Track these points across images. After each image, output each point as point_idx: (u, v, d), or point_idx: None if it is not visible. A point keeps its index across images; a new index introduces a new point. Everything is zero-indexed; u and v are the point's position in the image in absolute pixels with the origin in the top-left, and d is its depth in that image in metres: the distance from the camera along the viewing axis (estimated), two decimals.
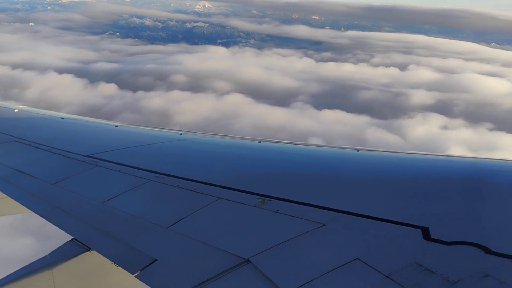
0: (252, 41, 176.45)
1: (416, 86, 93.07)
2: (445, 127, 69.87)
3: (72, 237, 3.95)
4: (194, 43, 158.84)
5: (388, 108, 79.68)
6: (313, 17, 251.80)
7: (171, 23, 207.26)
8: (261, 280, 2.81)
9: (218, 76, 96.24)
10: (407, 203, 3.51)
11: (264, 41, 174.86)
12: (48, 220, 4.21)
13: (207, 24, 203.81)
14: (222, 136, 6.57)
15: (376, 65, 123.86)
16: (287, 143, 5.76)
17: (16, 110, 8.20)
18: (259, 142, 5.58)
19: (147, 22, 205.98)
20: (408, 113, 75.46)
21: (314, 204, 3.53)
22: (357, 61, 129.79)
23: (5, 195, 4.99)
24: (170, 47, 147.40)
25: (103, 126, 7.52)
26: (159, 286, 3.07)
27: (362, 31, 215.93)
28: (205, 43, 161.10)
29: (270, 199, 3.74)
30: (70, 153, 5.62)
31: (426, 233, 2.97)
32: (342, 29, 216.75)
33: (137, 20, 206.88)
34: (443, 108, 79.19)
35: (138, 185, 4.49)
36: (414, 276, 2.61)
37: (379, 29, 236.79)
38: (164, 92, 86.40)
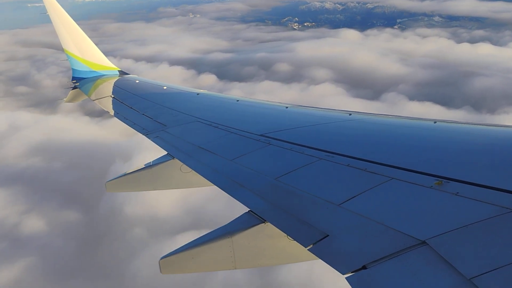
0: (436, 18, 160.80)
1: None
2: None
3: (249, 209, 4.24)
4: (369, 26, 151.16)
5: (498, 100, 65.25)
6: None
7: (352, 4, 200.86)
8: (439, 263, 2.65)
9: (322, 64, 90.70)
10: None
11: (451, 19, 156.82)
12: (227, 193, 4.53)
13: (387, 4, 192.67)
14: (392, 116, 6.32)
15: None
16: (465, 123, 5.37)
17: (198, 94, 9.17)
18: (435, 122, 5.25)
19: (327, 5, 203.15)
20: None
21: (500, 188, 3.20)
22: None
23: (190, 169, 5.60)
24: (305, 33, 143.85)
25: (274, 107, 7.82)
26: (331, 260, 3.07)
27: None
28: (383, 24, 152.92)
29: (448, 181, 3.50)
30: (245, 132, 6.02)
31: None
32: None
33: (318, 4, 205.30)
34: None
35: (309, 163, 4.58)
36: None
37: None
38: (255, 82, 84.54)
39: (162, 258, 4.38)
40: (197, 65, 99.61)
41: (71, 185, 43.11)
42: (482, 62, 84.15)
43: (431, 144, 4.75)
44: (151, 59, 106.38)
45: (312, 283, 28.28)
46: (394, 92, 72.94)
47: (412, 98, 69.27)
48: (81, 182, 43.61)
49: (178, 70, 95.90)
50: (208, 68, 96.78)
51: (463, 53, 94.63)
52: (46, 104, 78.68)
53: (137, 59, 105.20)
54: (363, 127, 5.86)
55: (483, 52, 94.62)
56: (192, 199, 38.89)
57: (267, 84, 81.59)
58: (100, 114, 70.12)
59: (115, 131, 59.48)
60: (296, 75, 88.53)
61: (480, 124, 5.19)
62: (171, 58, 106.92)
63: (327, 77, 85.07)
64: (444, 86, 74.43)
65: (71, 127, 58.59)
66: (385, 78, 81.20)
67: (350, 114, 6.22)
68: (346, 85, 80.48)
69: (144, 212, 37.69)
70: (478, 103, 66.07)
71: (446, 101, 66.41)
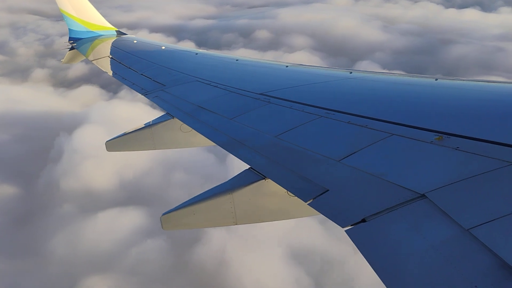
0: None
1: None
2: None
3: (249, 166, 4.26)
4: None
5: (470, 68, 63.63)
6: None
7: None
8: (438, 215, 2.68)
9: (303, 32, 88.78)
10: None
11: None
12: (227, 151, 4.57)
13: None
14: (393, 74, 6.30)
15: None
16: (466, 80, 5.27)
17: (196, 53, 9.26)
18: (436, 80, 5.20)
19: None
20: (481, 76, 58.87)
21: (500, 142, 3.20)
22: (505, 4, 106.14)
23: (191, 129, 5.62)
24: None
25: (274, 66, 7.88)
26: (331, 214, 3.08)
27: None
28: None
29: (448, 136, 3.49)
30: (244, 91, 6.02)
31: None
32: None
33: None
34: None
35: (309, 121, 4.57)
36: None
37: None
38: (231, 50, 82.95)
39: (163, 214, 4.41)
40: (177, 32, 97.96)
41: (14, 159, 42.73)
42: (463, 29, 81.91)
43: (432, 100, 4.72)
44: (133, 26, 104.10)
45: (225, 262, 28.02)
46: (368, 61, 71.32)
47: (385, 67, 67.59)
48: (25, 155, 43.24)
49: (157, 37, 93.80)
50: (188, 36, 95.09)
51: (447, 19, 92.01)
52: (18, 73, 77.92)
53: (119, 26, 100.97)
54: (363, 85, 5.80)
55: (468, 18, 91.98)
56: (128, 173, 38.45)
57: (242, 52, 79.87)
58: (68, 84, 69.42)
59: (76, 102, 58.84)
60: (274, 42, 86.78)
61: (480, 81, 5.19)
62: (153, 25, 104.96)
63: (305, 45, 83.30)
64: (420, 54, 72.74)
65: (31, 98, 57.87)
66: (363, 46, 79.39)
67: (350, 73, 6.17)
68: (323, 53, 78.90)
69: (80, 186, 37.33)
70: (451, 72, 64.43)
71: (419, 70, 64.78)
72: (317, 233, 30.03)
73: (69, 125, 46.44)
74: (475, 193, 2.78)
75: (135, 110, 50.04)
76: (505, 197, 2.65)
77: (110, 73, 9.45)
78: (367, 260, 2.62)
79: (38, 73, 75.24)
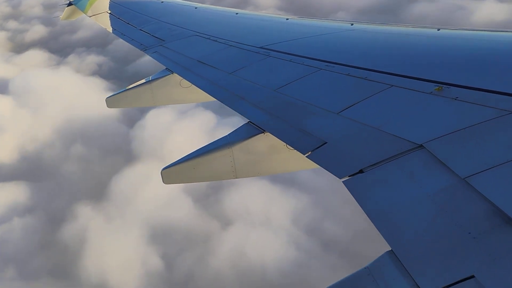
0: None
1: None
2: None
3: (248, 120, 4.27)
4: None
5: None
6: None
7: None
8: (435, 165, 2.68)
9: None
10: None
11: None
12: (227, 105, 4.56)
13: None
14: (395, 25, 6.15)
15: None
16: (467, 29, 5.20)
17: (196, 8, 9.09)
18: (438, 30, 5.08)
19: None
20: None
21: (499, 91, 3.16)
22: None
23: (190, 84, 5.60)
24: None
25: (274, 19, 7.85)
26: (329, 166, 3.08)
27: None
28: None
29: (448, 86, 3.45)
30: (244, 45, 5.96)
31: None
32: None
33: None
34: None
35: (308, 74, 4.54)
36: None
37: None
38: None
39: (163, 169, 4.41)
40: None
41: None
42: None
43: (433, 51, 4.61)
44: None
45: (85, 242, 27.65)
46: None
47: None
48: None
49: None
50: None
51: None
52: None
53: None
54: (364, 36, 5.70)
55: None
56: (29, 146, 37.94)
57: None
58: (24, 48, 68.38)
59: (17, 68, 58.02)
60: (242, 1, 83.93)
61: (481, 30, 5.01)
62: None
63: (272, 4, 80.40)
64: (383, 14, 69.41)
65: None
66: (329, 5, 76.36)
67: (351, 24, 6.05)
68: (288, 13, 76.02)
69: None
70: None
71: None
72: (188, 212, 29.35)
73: None
74: (472, 142, 2.75)
75: (63, 79, 49.22)
76: (501, 146, 2.62)
77: (109, 29, 9.31)
78: (363, 210, 2.56)
79: None
